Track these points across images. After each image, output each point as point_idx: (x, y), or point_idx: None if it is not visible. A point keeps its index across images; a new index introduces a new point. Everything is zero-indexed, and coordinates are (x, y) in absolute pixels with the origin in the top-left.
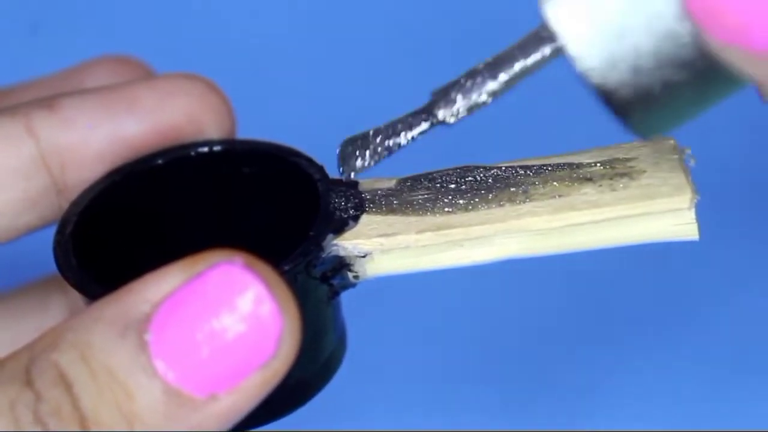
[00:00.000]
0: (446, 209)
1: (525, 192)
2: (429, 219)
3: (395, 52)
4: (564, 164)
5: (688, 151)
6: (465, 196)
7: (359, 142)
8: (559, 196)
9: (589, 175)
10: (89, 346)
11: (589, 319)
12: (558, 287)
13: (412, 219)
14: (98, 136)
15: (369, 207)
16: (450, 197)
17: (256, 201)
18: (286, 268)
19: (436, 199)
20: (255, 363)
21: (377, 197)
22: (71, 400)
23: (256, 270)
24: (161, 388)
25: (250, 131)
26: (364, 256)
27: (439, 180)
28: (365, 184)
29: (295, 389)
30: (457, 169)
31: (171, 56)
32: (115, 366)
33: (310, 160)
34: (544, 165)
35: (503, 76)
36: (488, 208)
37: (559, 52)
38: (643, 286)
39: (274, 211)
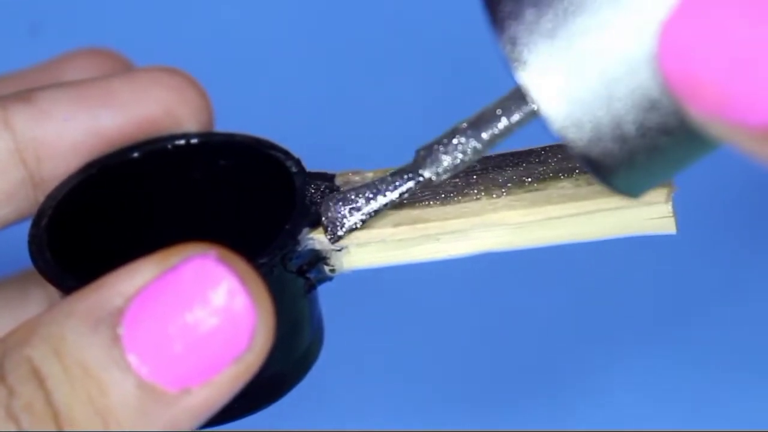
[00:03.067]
0: (423, 202)
1: (502, 185)
2: (405, 212)
3: (372, 49)
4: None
5: None
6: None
7: (341, 201)
8: (536, 189)
9: None
10: (62, 341)
11: (588, 318)
12: (556, 285)
13: (388, 212)
14: (74, 129)
15: None
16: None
17: (233, 193)
18: (262, 261)
19: (413, 192)
20: (228, 357)
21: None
22: (44, 396)
23: (230, 263)
24: (134, 382)
25: (227, 124)
26: (340, 250)
27: None
28: (342, 177)
29: (270, 383)
30: None
31: (171, 55)
32: (88, 361)
33: (287, 153)
34: (522, 158)
35: (486, 135)
36: (465, 201)
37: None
38: (642, 286)
39: (251, 204)
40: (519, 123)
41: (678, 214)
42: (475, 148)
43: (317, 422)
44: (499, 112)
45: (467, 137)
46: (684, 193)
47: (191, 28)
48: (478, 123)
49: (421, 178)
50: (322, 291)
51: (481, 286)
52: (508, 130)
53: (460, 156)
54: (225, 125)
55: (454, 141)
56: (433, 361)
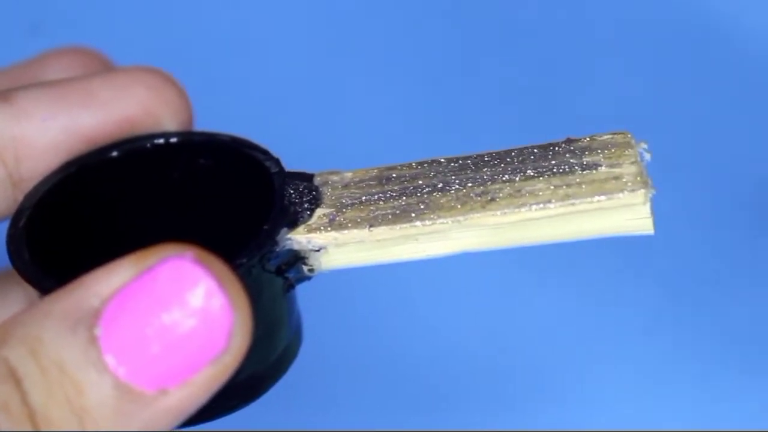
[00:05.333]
0: (400, 202)
1: (481, 185)
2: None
3: (351, 49)
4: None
5: (644, 146)
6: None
7: None
8: (515, 190)
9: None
10: (39, 341)
11: (582, 317)
12: (555, 284)
13: (369, 212)
14: (54, 128)
15: (324, 200)
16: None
17: (212, 193)
18: (240, 262)
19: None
20: (206, 357)
21: (333, 190)
22: (20, 396)
23: (207, 264)
24: (111, 383)
25: (207, 124)
26: (318, 250)
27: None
28: (321, 177)
29: (248, 383)
30: (412, 163)
31: (169, 55)
32: (65, 361)
33: (266, 153)
34: (500, 158)
35: None
36: (443, 201)
37: None
38: (640, 285)
39: (231, 203)
40: None
41: (675, 211)
42: None
43: (295, 422)
44: None
45: None
46: (680, 191)
47: (188, 28)
48: None
49: None
50: (301, 290)
51: (469, 285)
52: None
53: None
54: (204, 125)
55: None
56: (416, 360)
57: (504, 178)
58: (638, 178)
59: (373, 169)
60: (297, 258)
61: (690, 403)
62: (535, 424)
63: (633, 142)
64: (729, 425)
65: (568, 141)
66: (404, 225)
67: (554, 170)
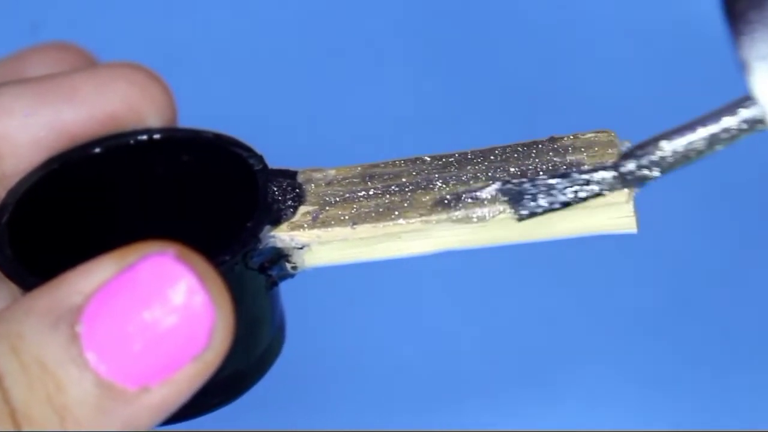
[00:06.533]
0: (384, 199)
1: (464, 183)
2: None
3: (339, 44)
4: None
5: (627, 144)
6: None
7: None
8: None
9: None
10: (20, 338)
11: (577, 315)
12: (551, 283)
13: (351, 210)
14: (36, 124)
15: (308, 198)
16: None
17: (195, 190)
18: (222, 259)
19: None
20: (187, 355)
21: (316, 188)
22: (1, 394)
23: (188, 262)
24: (93, 380)
25: (191, 121)
26: (301, 248)
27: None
28: (304, 174)
29: (230, 381)
30: (396, 161)
31: (168, 54)
32: (46, 358)
33: (250, 150)
34: (483, 156)
35: (706, 133)
36: (427, 198)
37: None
38: (639, 285)
39: (214, 200)
40: (742, 129)
41: (672, 211)
42: (685, 144)
43: (281, 422)
44: (724, 114)
45: (680, 134)
46: (675, 190)
47: (187, 27)
48: (702, 122)
49: (619, 171)
50: (285, 288)
51: (460, 284)
52: (730, 134)
53: (668, 153)
54: (188, 122)
55: (673, 139)
56: (406, 360)
57: (486, 176)
58: None
59: (357, 167)
60: (280, 255)
61: (689, 403)
62: (534, 425)
63: (616, 140)
64: (729, 425)
65: (552, 139)
66: (387, 223)
67: (537, 168)
